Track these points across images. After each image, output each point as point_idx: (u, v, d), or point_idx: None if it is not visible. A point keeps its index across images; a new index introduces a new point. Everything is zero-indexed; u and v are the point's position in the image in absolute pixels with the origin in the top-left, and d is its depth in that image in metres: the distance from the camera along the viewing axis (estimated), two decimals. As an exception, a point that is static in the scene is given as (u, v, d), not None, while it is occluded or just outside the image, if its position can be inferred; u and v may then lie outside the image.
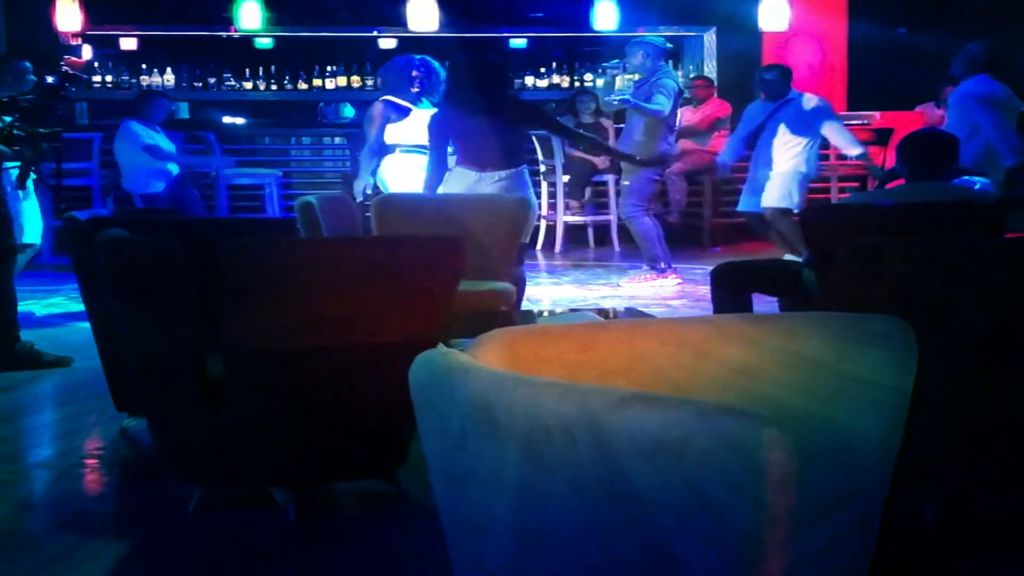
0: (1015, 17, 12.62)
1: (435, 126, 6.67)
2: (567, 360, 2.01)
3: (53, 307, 8.05)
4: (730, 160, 9.12)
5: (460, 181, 6.60)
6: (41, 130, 5.74)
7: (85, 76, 7.77)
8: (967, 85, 7.51)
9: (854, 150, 8.97)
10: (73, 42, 11.28)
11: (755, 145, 9.03)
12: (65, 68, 5.90)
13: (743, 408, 1.45)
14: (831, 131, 8.90)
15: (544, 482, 1.56)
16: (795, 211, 8.71)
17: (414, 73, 7.40)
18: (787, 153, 8.84)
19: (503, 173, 6.57)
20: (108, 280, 4.01)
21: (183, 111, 13.20)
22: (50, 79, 5.76)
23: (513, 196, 6.39)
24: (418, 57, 7.52)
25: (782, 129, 8.83)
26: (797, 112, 8.83)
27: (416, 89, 7.38)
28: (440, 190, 6.71)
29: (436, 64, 7.48)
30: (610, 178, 11.09)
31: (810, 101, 8.94)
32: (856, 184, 11.49)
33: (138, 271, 3.80)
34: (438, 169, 6.65)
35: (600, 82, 12.66)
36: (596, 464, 1.48)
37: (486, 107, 6.52)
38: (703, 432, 1.41)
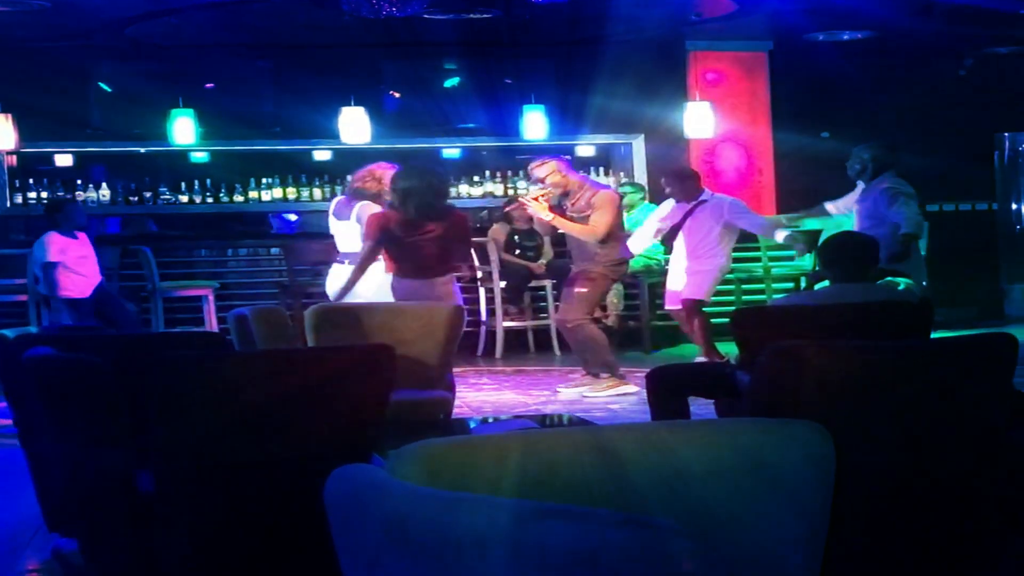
0: (929, 118, 12.98)
1: (376, 224, 6.80)
2: (487, 472, 2.02)
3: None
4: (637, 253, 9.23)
5: (398, 288, 6.73)
6: None
7: None
8: (885, 181, 7.72)
9: (780, 234, 9.06)
10: None
11: (672, 244, 9.19)
12: None
13: (653, 520, 1.47)
14: (749, 224, 8.99)
15: (460, 598, 1.56)
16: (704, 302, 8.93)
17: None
18: (704, 252, 8.94)
19: (439, 280, 6.68)
20: (36, 398, 3.98)
21: (115, 225, 13.17)
22: None
23: (447, 305, 6.44)
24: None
25: (695, 229, 8.96)
26: (709, 212, 8.96)
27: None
28: (378, 297, 6.78)
29: None
30: (548, 283, 11.17)
31: (722, 201, 9.09)
32: (790, 284, 11.64)
33: (66, 389, 3.78)
34: (366, 264, 6.92)
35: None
36: (510, 578, 1.49)
37: (429, 216, 6.65)
38: (614, 544, 1.42)
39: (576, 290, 8.35)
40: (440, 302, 6.53)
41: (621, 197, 8.60)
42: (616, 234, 8.32)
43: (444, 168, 7.10)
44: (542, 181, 8.22)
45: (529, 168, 8.51)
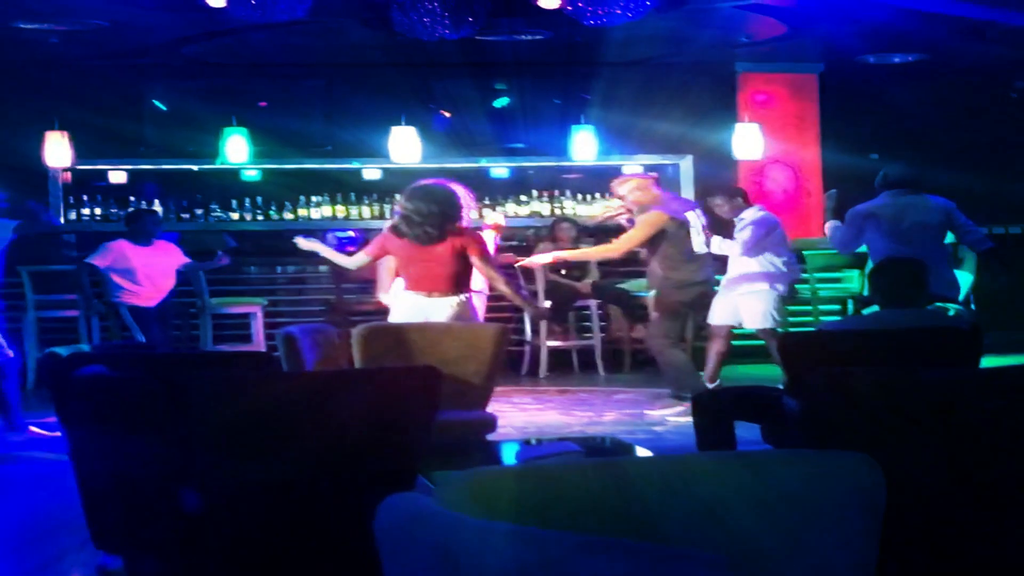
0: (981, 141, 12.89)
1: (381, 241, 6.93)
2: (534, 501, 2.03)
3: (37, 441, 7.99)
4: None
5: (411, 307, 6.73)
6: None
7: None
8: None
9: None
10: None
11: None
12: None
13: (702, 554, 1.47)
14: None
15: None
16: (779, 330, 8.75)
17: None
18: (747, 271, 8.85)
19: (451, 300, 6.68)
20: (86, 416, 4.03)
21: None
22: None
23: (492, 325, 6.46)
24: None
25: (736, 247, 8.89)
26: (741, 230, 8.90)
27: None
28: (396, 315, 6.86)
29: None
30: (593, 303, 11.16)
31: (752, 217, 9.01)
32: (837, 307, 11.58)
33: (115, 407, 3.81)
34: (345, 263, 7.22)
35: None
36: (557, 611, 1.49)
37: (435, 235, 6.66)
38: (661, 578, 1.42)
39: (652, 314, 8.35)
40: (453, 322, 6.55)
41: (672, 218, 8.34)
42: (671, 254, 8.20)
43: (452, 191, 6.94)
44: (622, 198, 8.23)
45: (613, 183, 8.54)
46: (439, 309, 6.66)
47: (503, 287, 7.01)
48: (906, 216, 7.50)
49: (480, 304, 7.91)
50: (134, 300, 9.88)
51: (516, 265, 8.71)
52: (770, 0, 10.20)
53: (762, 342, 9.08)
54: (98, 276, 9.91)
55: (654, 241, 8.29)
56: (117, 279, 9.85)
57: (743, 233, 8.84)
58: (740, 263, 8.84)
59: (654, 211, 8.17)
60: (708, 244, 8.48)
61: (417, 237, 6.67)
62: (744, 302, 8.82)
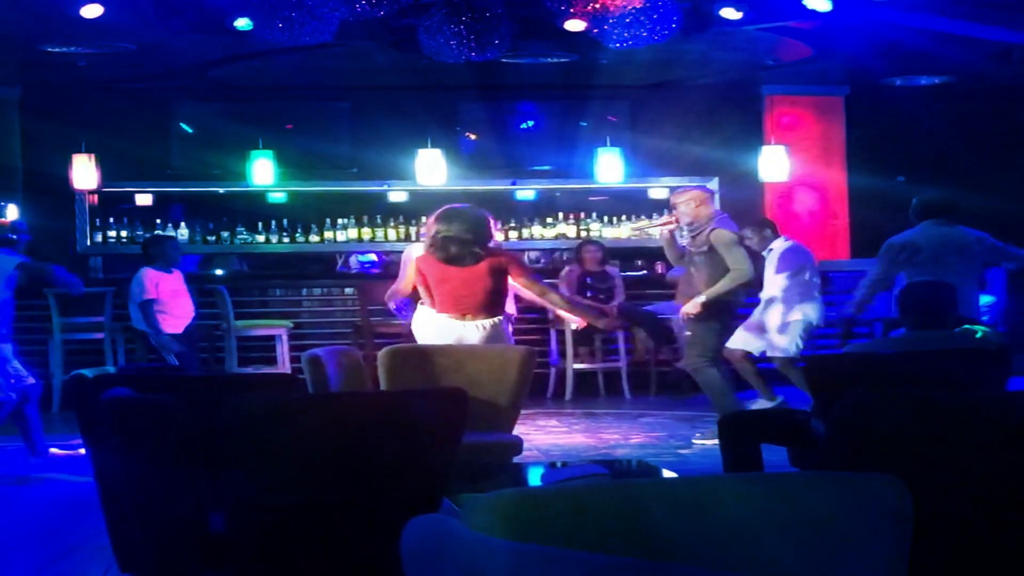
0: (1007, 163, 12.83)
1: (417, 263, 6.82)
2: (561, 523, 2.02)
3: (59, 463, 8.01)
4: None
5: (443, 329, 6.64)
6: None
7: (15, 236, 7.92)
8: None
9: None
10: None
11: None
12: None
13: (729, 576, 1.46)
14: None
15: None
16: (799, 358, 8.72)
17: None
18: (782, 300, 8.83)
19: (485, 323, 6.61)
20: (113, 438, 4.04)
21: (191, 264, 13.31)
22: None
23: (519, 347, 6.42)
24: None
25: (766, 276, 8.88)
26: (772, 260, 8.91)
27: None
28: (424, 338, 6.77)
29: None
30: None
31: (782, 247, 9.00)
32: (866, 329, 11.51)
33: (141, 429, 3.82)
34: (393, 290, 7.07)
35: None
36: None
37: (468, 257, 6.59)
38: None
39: (685, 333, 8.31)
40: (479, 344, 6.51)
41: (740, 239, 8.18)
42: (721, 273, 8.16)
43: (482, 213, 6.89)
44: (674, 208, 8.20)
45: (672, 194, 8.56)
46: (471, 333, 6.58)
47: (557, 299, 6.96)
48: (949, 246, 7.48)
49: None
50: (165, 327, 9.87)
51: (681, 313, 8.63)
52: (796, 23, 10.19)
53: None
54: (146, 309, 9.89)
55: (712, 258, 8.14)
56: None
57: (772, 262, 8.86)
58: (775, 291, 8.84)
59: (723, 230, 8.01)
60: None
61: (458, 258, 6.61)
62: (774, 330, 8.81)
